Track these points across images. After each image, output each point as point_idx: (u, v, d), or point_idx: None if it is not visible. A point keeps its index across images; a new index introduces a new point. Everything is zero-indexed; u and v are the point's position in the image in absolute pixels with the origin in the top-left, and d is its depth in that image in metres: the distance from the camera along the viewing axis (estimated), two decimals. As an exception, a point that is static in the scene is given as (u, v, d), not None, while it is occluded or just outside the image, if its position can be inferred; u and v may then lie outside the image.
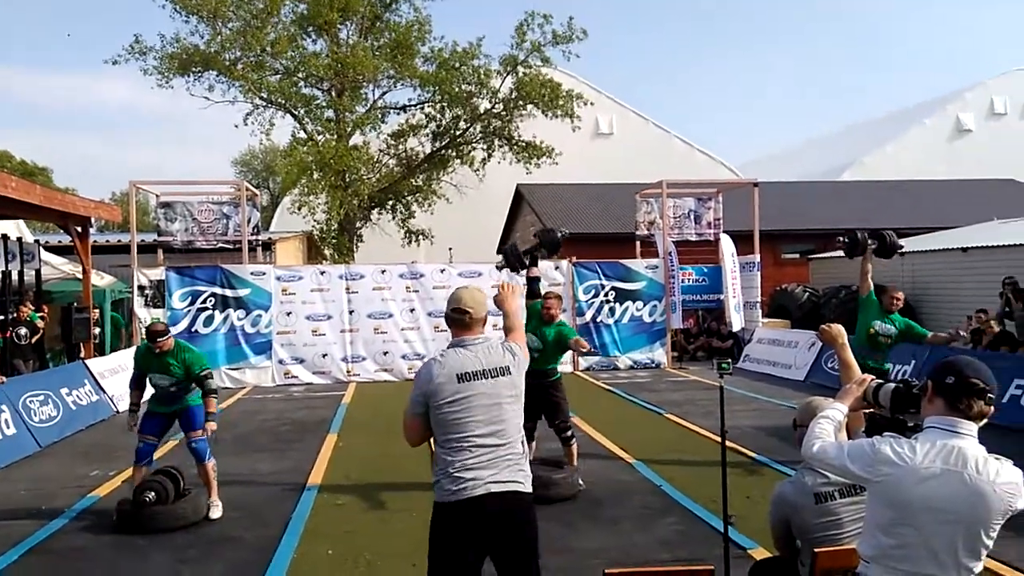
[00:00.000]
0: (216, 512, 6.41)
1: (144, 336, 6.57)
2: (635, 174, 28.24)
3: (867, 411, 3.10)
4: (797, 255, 25.11)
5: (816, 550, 3.11)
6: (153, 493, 6.11)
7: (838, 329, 3.62)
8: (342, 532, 6.05)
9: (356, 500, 6.96)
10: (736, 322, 16.73)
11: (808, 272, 22.59)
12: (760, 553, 5.23)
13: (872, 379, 2.94)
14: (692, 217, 18.16)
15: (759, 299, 17.27)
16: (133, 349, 13.02)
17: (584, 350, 7.16)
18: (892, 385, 2.81)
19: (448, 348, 3.40)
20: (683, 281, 17.09)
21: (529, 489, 3.27)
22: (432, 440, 3.40)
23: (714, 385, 13.94)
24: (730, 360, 4.61)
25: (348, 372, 15.37)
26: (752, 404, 11.77)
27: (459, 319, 3.38)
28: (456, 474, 3.17)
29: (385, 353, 15.61)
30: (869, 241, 8.04)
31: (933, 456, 2.46)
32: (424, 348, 15.65)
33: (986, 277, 15.31)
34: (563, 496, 6.65)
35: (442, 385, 3.22)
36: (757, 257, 17.30)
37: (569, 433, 7.27)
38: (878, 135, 44.42)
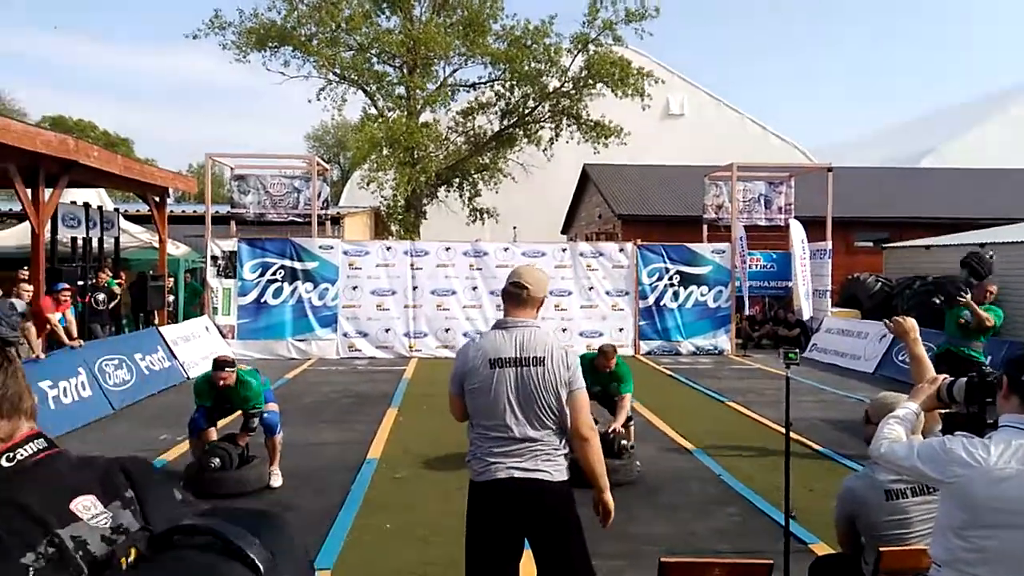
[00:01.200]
0: (276, 481, 6.56)
1: (210, 371, 6.54)
2: (706, 156, 27.68)
3: (942, 411, 2.96)
4: (870, 244, 24.33)
5: (881, 549, 3.00)
6: (218, 459, 6.28)
7: (911, 323, 3.44)
8: (401, 506, 6.14)
9: (415, 475, 7.04)
10: (805, 310, 16.33)
11: (881, 261, 21.83)
12: (821, 548, 5.11)
13: (945, 377, 2.81)
14: (762, 201, 17.74)
15: (829, 287, 16.81)
16: (230, 321, 13.42)
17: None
18: (964, 379, 2.68)
19: (491, 329, 3.30)
20: (750, 267, 16.76)
21: (559, 478, 3.12)
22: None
23: (778, 374, 13.69)
24: (798, 350, 4.46)
25: (410, 348, 15.54)
26: (819, 395, 11.49)
27: (516, 294, 3.25)
28: (483, 457, 3.15)
29: (447, 330, 15.73)
30: (962, 291, 7.78)
31: (1008, 456, 2.33)
32: (485, 326, 15.66)
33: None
34: (622, 482, 6.58)
35: (475, 369, 3.15)
36: (829, 244, 16.82)
37: (627, 416, 7.22)
38: (960, 122, 42.58)
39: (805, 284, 16.30)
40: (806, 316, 16.43)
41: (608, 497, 3.21)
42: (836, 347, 15.08)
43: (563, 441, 3.20)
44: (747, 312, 17.17)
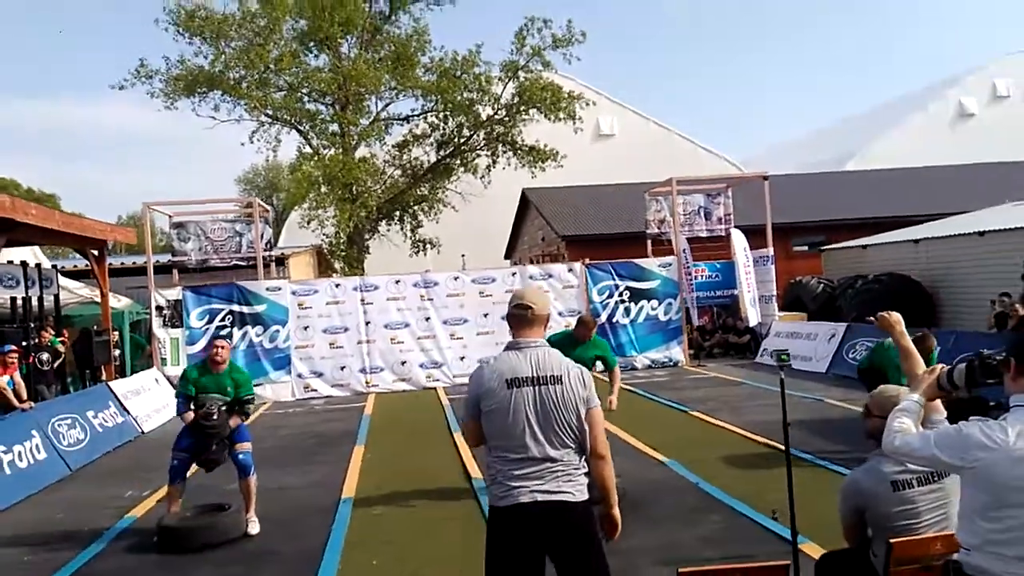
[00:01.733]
0: (254, 528, 6.40)
1: (208, 355, 6.63)
2: (639, 174, 28.25)
3: (944, 398, 3.06)
4: (806, 247, 25.07)
5: (891, 540, 3.06)
6: (215, 408, 6.28)
7: (896, 316, 3.55)
8: (383, 543, 6.04)
9: (393, 510, 6.94)
10: (752, 317, 16.69)
11: (820, 264, 22.52)
12: (810, 547, 5.19)
13: (943, 366, 2.91)
14: (702, 213, 18.17)
15: (775, 292, 17.24)
16: (180, 371, 13.15)
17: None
18: (963, 365, 2.78)
19: (503, 351, 3.28)
20: (696, 278, 17.09)
21: (581, 498, 3.13)
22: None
23: (735, 381, 13.95)
24: (789, 351, 4.57)
25: (367, 383, 15.36)
26: (775, 398, 11.62)
27: (521, 315, 3.25)
28: (504, 481, 3.11)
29: (403, 363, 15.63)
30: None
31: None
32: (441, 356, 15.68)
33: (1005, 261, 15.14)
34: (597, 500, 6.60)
35: (492, 390, 3.11)
36: (771, 250, 17.27)
37: None
38: (880, 123, 44.38)
39: (750, 291, 16.68)
40: (753, 322, 16.79)
41: (616, 512, 3.26)
42: (787, 350, 15.39)
43: (583, 459, 3.19)
44: (696, 322, 17.46)
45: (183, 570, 5.67)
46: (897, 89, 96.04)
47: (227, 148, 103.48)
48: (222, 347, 6.42)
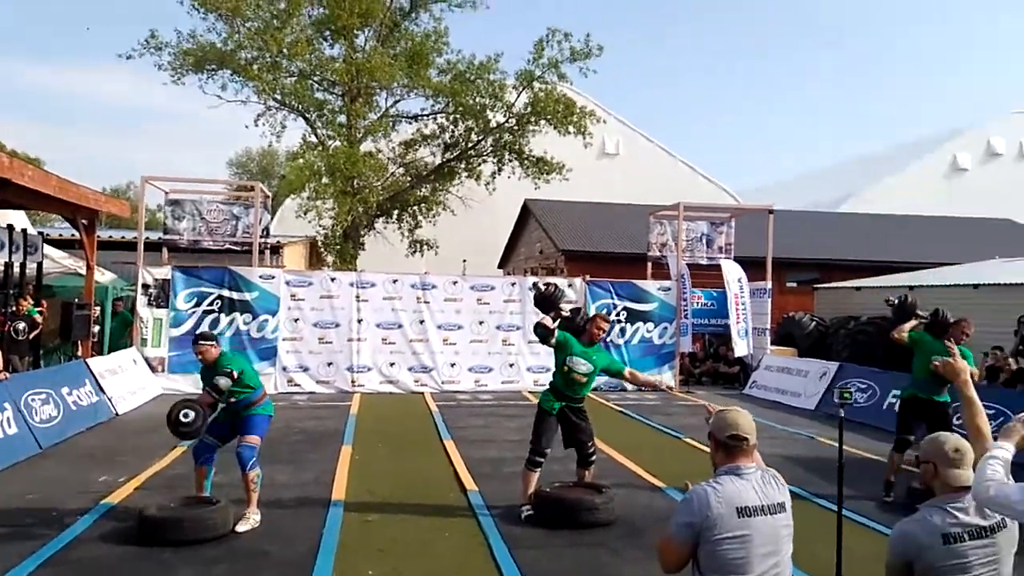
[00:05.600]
0: (243, 525, 6.10)
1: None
2: (639, 195, 28.25)
3: None
4: (795, 284, 25.10)
5: None
6: (192, 412, 5.99)
7: (962, 364, 3.40)
8: (376, 551, 5.78)
9: (386, 517, 6.67)
10: (740, 348, 16.55)
11: (812, 301, 22.48)
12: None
13: None
14: (704, 241, 18.05)
15: (769, 326, 17.12)
16: (159, 352, 13.02)
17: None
18: None
19: (722, 475, 3.07)
20: (693, 304, 16.95)
21: None
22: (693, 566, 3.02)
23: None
24: (852, 389, 4.36)
25: (352, 382, 15.03)
26: (768, 432, 11.51)
27: (737, 446, 3.09)
28: None
29: (391, 364, 15.33)
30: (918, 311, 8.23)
31: None
32: (431, 361, 15.40)
33: (997, 314, 15.13)
34: (603, 522, 6.40)
35: (721, 518, 2.90)
36: (768, 284, 17.17)
37: (594, 456, 7.18)
38: (876, 169, 44.79)
39: (741, 322, 16.55)
40: (740, 353, 16.65)
41: None
42: (777, 384, 15.32)
43: None
44: (688, 349, 17.27)
45: (166, 564, 5.37)
46: (897, 137, 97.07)
47: (219, 130, 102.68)
48: (202, 352, 6.32)
